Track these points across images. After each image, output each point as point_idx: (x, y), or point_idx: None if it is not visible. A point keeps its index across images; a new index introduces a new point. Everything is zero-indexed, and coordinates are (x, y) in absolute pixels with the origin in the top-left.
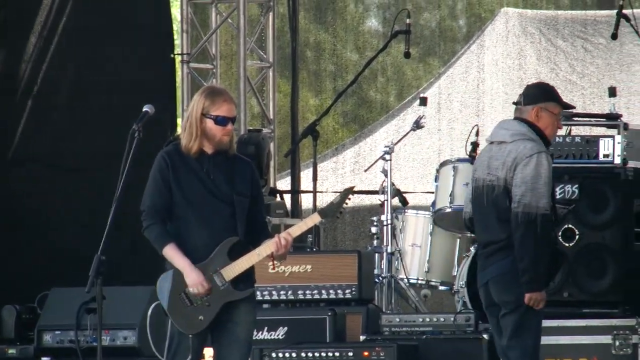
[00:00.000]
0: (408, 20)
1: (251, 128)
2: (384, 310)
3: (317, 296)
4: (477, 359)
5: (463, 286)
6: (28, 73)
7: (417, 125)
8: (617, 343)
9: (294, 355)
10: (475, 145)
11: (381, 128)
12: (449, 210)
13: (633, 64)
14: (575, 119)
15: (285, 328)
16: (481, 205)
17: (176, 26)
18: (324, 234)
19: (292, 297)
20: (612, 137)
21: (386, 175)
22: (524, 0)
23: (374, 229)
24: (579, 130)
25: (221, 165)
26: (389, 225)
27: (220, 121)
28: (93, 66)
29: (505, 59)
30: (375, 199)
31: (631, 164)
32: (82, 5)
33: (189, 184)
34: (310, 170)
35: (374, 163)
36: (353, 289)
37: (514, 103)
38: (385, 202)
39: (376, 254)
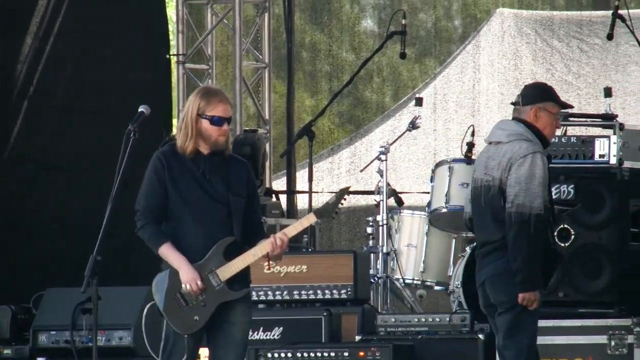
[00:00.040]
0: (404, 21)
1: (247, 128)
2: (379, 310)
3: (312, 296)
4: (473, 359)
5: (458, 286)
6: (24, 74)
7: (413, 125)
8: (613, 343)
9: (289, 355)
10: (470, 145)
11: (377, 128)
12: (444, 210)
13: (629, 65)
14: (571, 119)
15: (281, 328)
16: (479, 206)
17: (172, 27)
18: (320, 234)
19: (288, 298)
20: (608, 137)
21: (382, 176)
22: (520, 0)
23: (369, 229)
24: (574, 131)
25: (217, 165)
26: (385, 226)
27: (216, 121)
28: (89, 67)
29: (501, 59)
30: (370, 199)
31: (627, 164)
32: (78, 6)
33: (185, 184)
34: (306, 170)
35: (369, 163)
36: (349, 289)
37: (512, 103)
38: (381, 202)
39: (372, 254)
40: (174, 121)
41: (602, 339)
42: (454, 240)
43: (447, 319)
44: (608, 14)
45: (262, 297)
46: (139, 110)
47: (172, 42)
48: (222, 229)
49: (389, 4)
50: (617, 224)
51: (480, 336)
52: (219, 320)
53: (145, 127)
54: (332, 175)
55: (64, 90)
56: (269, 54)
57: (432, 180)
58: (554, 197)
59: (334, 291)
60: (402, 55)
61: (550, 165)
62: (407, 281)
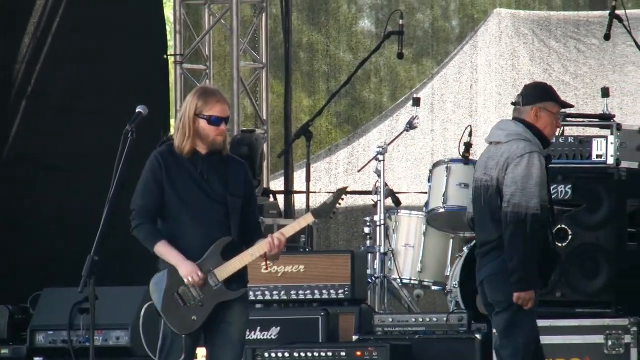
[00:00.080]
0: (401, 21)
1: (244, 129)
2: (376, 310)
3: (309, 296)
4: (470, 359)
5: (456, 286)
6: (22, 73)
7: (410, 125)
8: (610, 343)
9: (286, 355)
10: (468, 145)
11: (374, 128)
12: (442, 210)
13: (626, 65)
14: (569, 119)
15: (278, 328)
16: (479, 206)
17: (169, 27)
18: (317, 234)
19: (285, 297)
20: (605, 137)
21: (379, 176)
22: (517, 0)
23: (366, 229)
24: (572, 131)
25: (215, 165)
26: (382, 226)
27: (214, 121)
28: (86, 67)
29: (498, 59)
30: (368, 199)
31: (624, 164)
32: (75, 6)
33: (182, 184)
34: (303, 170)
35: (367, 163)
36: (346, 289)
37: (512, 103)
38: (378, 202)
39: (369, 254)
40: (172, 121)
41: (599, 339)
42: (451, 240)
43: (444, 318)
44: (605, 14)
45: (260, 297)
46: (137, 110)
47: (170, 42)
48: (219, 228)
49: (386, 4)
50: (614, 224)
51: (478, 336)
52: (216, 320)
53: (142, 127)
54: (330, 175)
55: (62, 90)
56: (267, 54)
57: (429, 180)
58: (552, 197)
59: (331, 291)
60: (400, 55)
61: (549, 165)
62: (404, 281)
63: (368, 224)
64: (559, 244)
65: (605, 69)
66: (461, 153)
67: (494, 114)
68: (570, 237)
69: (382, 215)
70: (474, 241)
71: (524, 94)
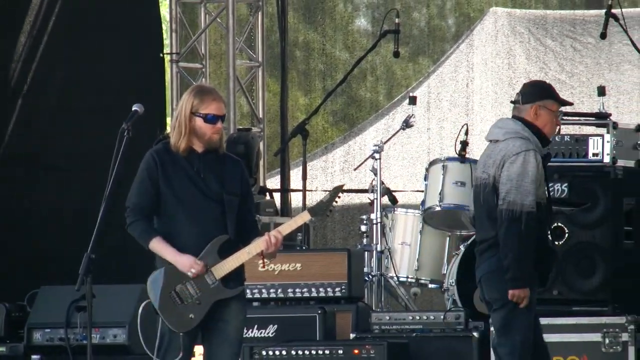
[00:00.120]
0: (397, 20)
1: (241, 127)
2: (373, 308)
3: (307, 294)
4: (467, 357)
5: (453, 284)
6: (18, 72)
7: (407, 124)
8: (607, 341)
9: (284, 353)
10: (464, 144)
11: (371, 127)
12: (438, 208)
13: (622, 63)
14: (565, 118)
15: (275, 326)
16: (478, 204)
17: (165, 26)
18: (314, 232)
19: (282, 295)
20: (602, 136)
21: (376, 174)
22: None
23: (363, 228)
24: (568, 129)
25: (211, 164)
26: (379, 224)
27: (210, 119)
28: (83, 66)
29: (495, 58)
30: (364, 198)
31: (620, 162)
32: (71, 5)
33: (179, 182)
34: (300, 169)
35: (363, 162)
36: (343, 287)
37: (512, 102)
38: (375, 200)
39: (366, 252)
40: (168, 120)
41: (596, 337)
42: (447, 239)
43: (442, 316)
44: (601, 13)
45: (257, 295)
46: (133, 109)
47: (166, 41)
48: (216, 227)
49: (382, 2)
50: (610, 222)
51: (475, 334)
52: (214, 318)
53: (139, 126)
54: (326, 174)
55: (59, 89)
56: (263, 52)
57: (425, 178)
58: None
59: (328, 289)
60: (396, 54)
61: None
62: (401, 279)
63: (365, 222)
64: (556, 243)
65: (601, 67)
66: (457, 151)
67: (490, 113)
68: (566, 235)
69: (378, 213)
70: (471, 239)
71: (523, 92)
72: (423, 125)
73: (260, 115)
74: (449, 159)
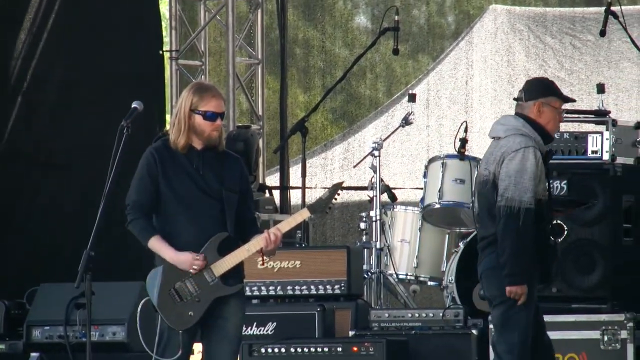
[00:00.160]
0: (396, 17)
1: (240, 124)
2: (373, 305)
3: (306, 292)
4: (466, 354)
5: (452, 282)
6: (17, 69)
7: (406, 121)
8: (606, 338)
9: (283, 350)
10: (463, 141)
11: (370, 124)
12: (437, 206)
13: (621, 61)
14: (564, 115)
15: (274, 323)
16: (480, 201)
17: (165, 23)
18: (313, 229)
19: (281, 293)
20: (601, 133)
21: (375, 171)
22: None
23: (362, 225)
24: (567, 127)
25: (210, 161)
26: (378, 221)
27: (209, 116)
28: (82, 63)
29: (494, 55)
30: (364, 195)
31: (620, 160)
32: (71, 2)
33: (178, 179)
34: (299, 166)
35: (363, 159)
36: (342, 284)
37: (514, 99)
38: (374, 197)
39: (365, 250)
40: (168, 117)
41: (595, 334)
42: (447, 236)
43: (441, 314)
44: (601, 10)
45: (256, 293)
46: (133, 106)
47: (165, 39)
48: (215, 224)
49: (381, 0)
50: (609, 219)
51: (474, 331)
52: (213, 316)
53: (138, 123)
54: (326, 171)
55: (58, 86)
56: (262, 50)
57: (425, 176)
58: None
59: (328, 286)
60: (395, 52)
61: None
62: (400, 276)
63: (364, 219)
64: (555, 240)
65: (600, 65)
66: (457, 149)
67: (489, 110)
68: (565, 232)
69: (378, 210)
70: (470, 237)
71: (526, 89)
72: (422, 123)
73: (260, 113)
74: (448, 156)
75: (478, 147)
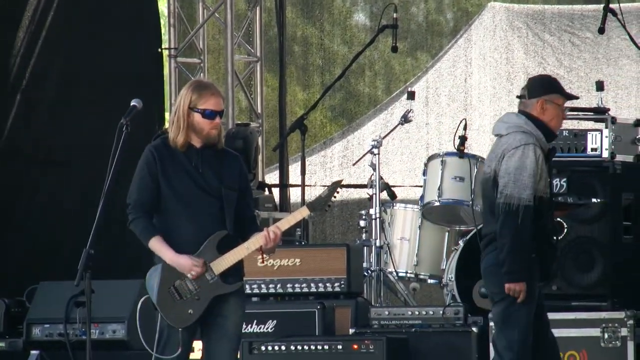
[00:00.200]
0: (395, 15)
1: (239, 122)
2: (373, 303)
3: (306, 289)
4: (466, 352)
5: (452, 279)
6: (16, 67)
7: (405, 119)
8: (606, 336)
9: (283, 348)
10: (463, 139)
11: (369, 122)
12: (437, 203)
13: (620, 58)
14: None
15: (274, 321)
16: (483, 198)
17: (163, 21)
18: (313, 227)
19: (281, 291)
20: (600, 131)
21: (374, 169)
22: None
23: (362, 223)
24: (567, 125)
25: (209, 159)
26: (378, 219)
27: (208, 115)
28: (81, 61)
29: (493, 53)
30: (363, 193)
31: (619, 157)
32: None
33: (177, 177)
34: (299, 164)
35: (362, 157)
36: (342, 282)
37: (518, 96)
38: (374, 195)
39: (365, 248)
40: (167, 115)
41: (595, 332)
42: (446, 234)
43: (441, 312)
44: (599, 7)
45: (256, 290)
46: (132, 104)
47: (164, 36)
48: (214, 222)
49: None
50: (609, 217)
51: (474, 329)
52: (213, 314)
53: (137, 121)
54: (325, 169)
55: (57, 84)
56: (261, 47)
57: (424, 173)
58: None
59: (327, 284)
60: (394, 49)
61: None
62: (400, 274)
63: (364, 217)
64: (554, 237)
65: (599, 62)
66: (456, 146)
67: (488, 108)
68: (565, 230)
69: (377, 208)
70: (470, 234)
71: (529, 87)
72: (421, 120)
73: (259, 110)
74: (448, 154)
75: (477, 145)
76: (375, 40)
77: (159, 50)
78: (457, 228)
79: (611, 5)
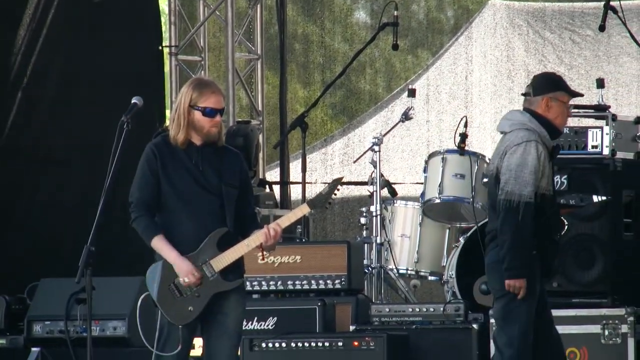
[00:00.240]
0: (396, 12)
1: (240, 120)
2: (373, 300)
3: (306, 286)
4: (467, 349)
5: (452, 276)
6: (17, 65)
7: (406, 116)
8: (607, 333)
9: (283, 345)
10: (463, 136)
11: (370, 119)
12: (437, 201)
13: (621, 56)
14: None
15: (275, 318)
16: (488, 195)
17: (164, 18)
18: (313, 224)
19: (282, 288)
20: (601, 128)
21: (375, 167)
22: None
23: (363, 220)
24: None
25: (210, 156)
26: (378, 216)
27: (209, 113)
28: (82, 58)
29: (494, 50)
30: (364, 190)
31: (620, 154)
32: None
33: (177, 175)
34: (299, 161)
35: (363, 154)
36: (342, 279)
37: (522, 94)
38: (375, 193)
39: (365, 245)
40: (167, 112)
41: (595, 329)
42: (447, 231)
43: (441, 309)
44: (600, 5)
45: (256, 288)
46: (132, 101)
47: (165, 34)
48: (214, 219)
49: None
50: (610, 214)
51: (475, 326)
52: (213, 311)
53: (138, 119)
54: (326, 166)
55: (58, 81)
56: (262, 45)
57: (425, 171)
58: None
59: (328, 281)
60: (395, 47)
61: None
62: (401, 271)
63: (364, 214)
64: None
65: (600, 60)
66: (457, 144)
67: (489, 105)
68: (566, 227)
69: (378, 205)
70: (470, 231)
71: (534, 84)
72: (422, 118)
73: (260, 108)
74: (448, 151)
75: (478, 142)
76: (376, 37)
77: (160, 48)
78: (458, 225)
79: (612, 3)
